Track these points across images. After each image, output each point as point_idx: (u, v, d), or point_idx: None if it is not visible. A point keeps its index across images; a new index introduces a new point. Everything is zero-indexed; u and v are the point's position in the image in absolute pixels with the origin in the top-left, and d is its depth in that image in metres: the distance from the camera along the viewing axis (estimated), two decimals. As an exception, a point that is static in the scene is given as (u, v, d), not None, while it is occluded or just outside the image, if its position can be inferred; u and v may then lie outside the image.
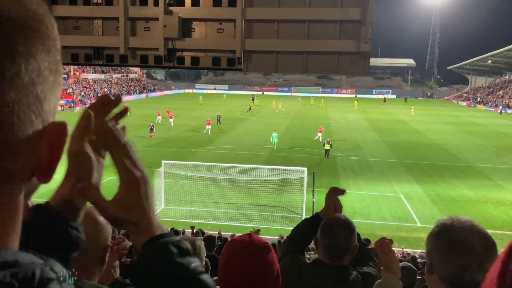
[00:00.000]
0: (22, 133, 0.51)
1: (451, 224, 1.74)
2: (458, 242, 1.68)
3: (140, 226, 0.87)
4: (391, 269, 2.33)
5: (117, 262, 2.18)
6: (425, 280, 1.88)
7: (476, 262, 1.62)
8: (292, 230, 2.86)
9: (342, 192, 2.77)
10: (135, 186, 0.87)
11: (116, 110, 0.95)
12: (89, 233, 1.57)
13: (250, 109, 59.55)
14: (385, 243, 2.42)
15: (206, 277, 0.87)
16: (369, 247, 2.97)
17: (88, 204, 1.02)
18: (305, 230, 2.78)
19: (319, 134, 37.13)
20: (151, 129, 35.84)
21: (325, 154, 30.10)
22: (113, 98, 0.93)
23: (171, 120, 42.72)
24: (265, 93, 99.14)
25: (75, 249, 0.94)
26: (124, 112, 0.98)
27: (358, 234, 2.68)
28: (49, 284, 0.49)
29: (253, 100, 73.87)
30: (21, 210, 0.57)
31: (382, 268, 2.43)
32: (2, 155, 0.50)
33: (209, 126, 38.75)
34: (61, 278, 0.52)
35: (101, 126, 0.87)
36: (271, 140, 32.92)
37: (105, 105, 0.92)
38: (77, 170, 0.85)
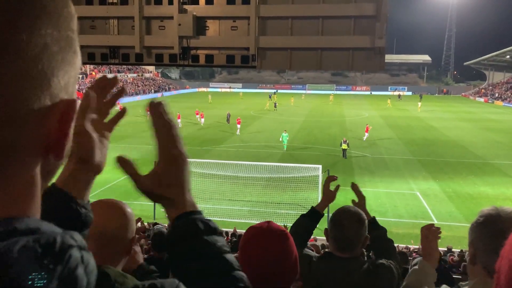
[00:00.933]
0: (28, 106, 0.52)
1: (496, 214, 1.72)
2: (505, 232, 1.65)
3: (175, 202, 0.92)
4: (430, 258, 2.31)
5: (139, 248, 2.22)
6: (468, 271, 1.86)
7: None
8: (292, 227, 2.89)
9: (333, 178, 2.83)
10: (174, 163, 0.91)
11: (113, 112, 1.01)
12: (117, 224, 1.61)
13: (275, 106, 59.13)
14: (432, 230, 2.38)
15: (230, 256, 0.91)
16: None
17: (100, 197, 1.04)
18: (304, 225, 2.81)
19: (367, 134, 36.62)
20: None
21: (343, 155, 28.99)
22: (109, 80, 0.99)
23: (202, 119, 42.93)
24: (279, 91, 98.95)
25: (85, 227, 0.98)
26: (122, 113, 1.05)
27: (385, 229, 2.68)
28: (70, 249, 0.51)
29: (270, 97, 73.99)
30: (39, 186, 0.59)
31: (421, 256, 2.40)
32: (9, 126, 0.51)
33: (239, 125, 38.90)
34: (82, 247, 0.54)
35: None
36: (281, 139, 31.89)
37: (104, 86, 0.98)
38: (80, 149, 0.90)
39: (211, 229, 0.91)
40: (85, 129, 0.89)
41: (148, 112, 0.91)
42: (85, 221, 0.98)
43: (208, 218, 0.93)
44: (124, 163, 0.92)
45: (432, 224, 2.44)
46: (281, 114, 54.62)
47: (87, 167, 0.96)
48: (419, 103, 64.51)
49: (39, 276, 0.47)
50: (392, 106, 64.45)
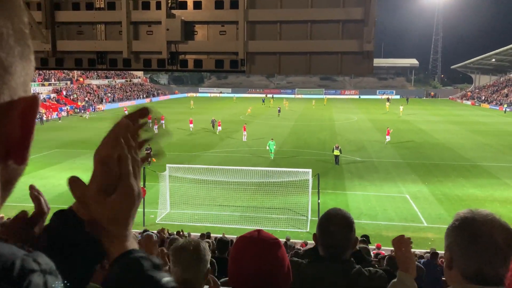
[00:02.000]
0: None
1: (472, 218, 1.68)
2: (480, 236, 1.61)
3: (117, 238, 0.86)
4: (407, 268, 2.27)
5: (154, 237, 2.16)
6: (445, 276, 1.83)
7: (499, 256, 1.57)
8: None
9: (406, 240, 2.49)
10: (130, 202, 0.85)
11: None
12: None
13: (279, 111, 58.68)
14: (403, 240, 2.35)
15: None
16: (366, 245, 2.92)
17: None
18: None
19: (388, 137, 36.79)
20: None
21: (335, 161, 28.35)
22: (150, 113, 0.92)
23: (219, 127, 41.32)
24: (268, 95, 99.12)
25: (100, 258, 0.91)
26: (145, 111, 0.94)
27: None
28: (30, 274, 0.46)
29: (263, 102, 74.35)
30: None
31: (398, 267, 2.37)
32: None
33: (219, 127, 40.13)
34: (47, 270, 0.49)
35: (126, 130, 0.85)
36: (267, 148, 30.27)
37: (142, 117, 0.91)
38: (102, 180, 0.83)
39: (155, 265, 0.86)
40: (112, 157, 0.83)
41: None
42: (100, 252, 0.90)
43: (148, 254, 0.88)
44: (74, 185, 0.84)
45: (403, 235, 2.40)
46: (271, 118, 54.69)
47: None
48: (401, 107, 62.80)
49: None
50: (390, 110, 63.56)
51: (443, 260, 1.83)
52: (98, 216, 0.83)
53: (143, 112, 0.91)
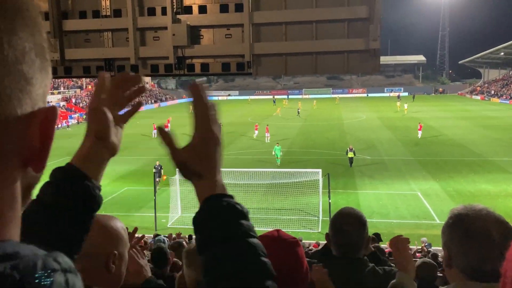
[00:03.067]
0: (10, 111, 0.50)
1: (465, 214, 1.67)
2: (475, 232, 1.60)
3: (204, 180, 0.93)
4: (406, 269, 2.26)
5: (146, 261, 2.18)
6: (445, 274, 1.82)
7: (496, 250, 1.55)
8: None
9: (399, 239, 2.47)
10: (209, 142, 0.94)
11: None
12: (94, 237, 1.56)
13: (298, 112, 58.75)
14: (400, 241, 2.34)
15: (257, 242, 0.90)
16: (378, 244, 2.91)
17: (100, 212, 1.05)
18: None
19: (420, 132, 37.59)
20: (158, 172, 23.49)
21: (350, 163, 27.44)
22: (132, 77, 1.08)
23: (267, 134, 38.69)
24: (276, 96, 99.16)
25: (97, 207, 0.99)
26: (138, 105, 1.10)
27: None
28: (53, 274, 0.48)
29: (274, 103, 75.57)
30: (20, 202, 0.55)
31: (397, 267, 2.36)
32: None
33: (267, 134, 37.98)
34: (67, 269, 0.51)
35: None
36: (273, 153, 29.15)
37: (125, 80, 1.05)
38: (96, 126, 0.96)
39: (240, 212, 0.91)
40: (100, 106, 0.95)
41: (189, 91, 0.95)
42: (97, 202, 0.99)
43: (236, 201, 0.94)
44: (163, 133, 0.95)
45: (400, 235, 2.39)
46: (279, 119, 54.68)
47: (104, 145, 0.99)
48: (405, 105, 60.31)
49: None
50: (402, 108, 60.01)
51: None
52: (182, 157, 0.95)
53: (127, 76, 1.07)
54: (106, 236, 1.59)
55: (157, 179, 21.63)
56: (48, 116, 0.55)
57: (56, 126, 0.58)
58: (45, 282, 0.46)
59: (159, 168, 23.16)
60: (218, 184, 0.94)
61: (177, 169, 0.96)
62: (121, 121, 1.04)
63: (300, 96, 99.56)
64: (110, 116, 0.97)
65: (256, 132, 38.73)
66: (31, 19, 0.55)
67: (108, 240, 1.60)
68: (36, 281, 0.46)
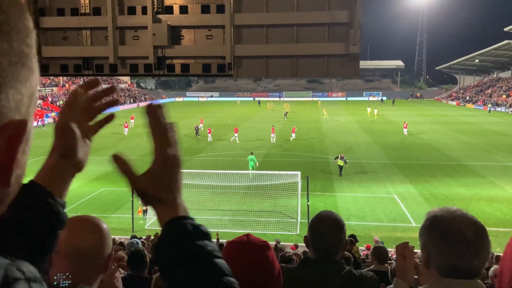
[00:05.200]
0: None
1: (441, 216, 1.76)
2: (451, 232, 1.70)
3: (166, 204, 0.92)
4: (405, 277, 2.28)
5: (118, 273, 2.15)
6: (424, 275, 1.88)
7: (471, 249, 1.66)
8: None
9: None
10: (169, 165, 0.92)
11: (101, 116, 1.03)
12: (93, 241, 1.55)
13: (286, 115, 58.65)
14: (408, 250, 2.34)
15: (221, 262, 0.89)
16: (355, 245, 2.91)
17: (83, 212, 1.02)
18: None
19: (405, 130, 39.31)
20: None
21: (340, 172, 26.22)
22: (102, 85, 1.03)
23: (235, 135, 38.77)
24: (256, 98, 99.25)
25: (61, 226, 0.96)
26: (109, 118, 1.06)
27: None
28: (15, 283, 0.47)
29: (259, 103, 76.67)
30: None
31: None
32: None
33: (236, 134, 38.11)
34: (31, 278, 0.50)
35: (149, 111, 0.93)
36: (248, 163, 26.17)
37: (93, 87, 1.01)
38: (62, 144, 0.93)
39: (203, 234, 0.90)
40: (69, 125, 0.91)
41: (146, 114, 0.92)
42: (61, 220, 0.96)
43: (198, 223, 0.93)
44: (119, 162, 0.91)
45: (407, 243, 2.42)
46: (258, 122, 54.76)
47: (69, 163, 0.96)
48: (375, 110, 59.51)
49: None
50: (376, 115, 58.83)
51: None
52: (143, 185, 0.91)
53: (94, 82, 1.03)
54: (104, 237, 1.60)
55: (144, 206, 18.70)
56: (16, 131, 0.53)
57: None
58: None
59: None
60: (180, 207, 0.93)
61: (136, 195, 0.94)
62: (90, 132, 1.00)
63: (278, 99, 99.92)
64: (78, 133, 0.93)
65: (236, 135, 38.61)
66: (8, 24, 0.52)
67: (107, 240, 1.61)
68: None
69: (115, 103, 1.04)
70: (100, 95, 1.01)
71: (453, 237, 1.69)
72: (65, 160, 0.95)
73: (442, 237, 1.72)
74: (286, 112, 60.70)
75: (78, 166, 0.98)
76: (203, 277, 0.86)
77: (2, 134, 0.51)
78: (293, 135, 39.03)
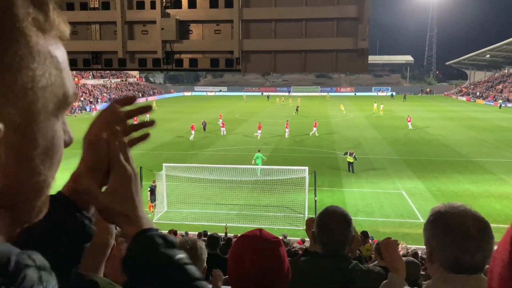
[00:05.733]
0: None
1: (445, 211, 1.80)
2: (454, 227, 1.73)
3: (130, 219, 0.92)
4: (396, 270, 2.33)
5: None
6: (428, 270, 1.91)
7: (474, 244, 1.68)
8: None
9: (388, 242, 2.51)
10: (128, 180, 0.92)
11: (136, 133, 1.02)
12: (102, 227, 1.57)
13: (297, 110, 58.33)
14: (390, 243, 2.41)
15: (191, 268, 0.91)
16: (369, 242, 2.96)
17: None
18: None
19: (409, 124, 40.78)
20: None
21: (348, 168, 25.90)
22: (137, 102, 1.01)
23: (223, 129, 39.77)
24: (264, 93, 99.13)
25: (88, 240, 0.96)
26: (144, 137, 1.03)
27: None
28: (25, 269, 0.49)
29: (268, 98, 77.92)
30: None
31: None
32: None
33: (193, 132, 37.70)
34: (41, 267, 0.52)
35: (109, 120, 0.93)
36: (253, 161, 25.03)
37: (130, 103, 0.99)
38: (93, 159, 0.92)
39: (170, 243, 0.92)
40: (101, 139, 0.91)
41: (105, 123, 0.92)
42: (89, 234, 0.95)
43: (164, 233, 0.95)
44: (81, 182, 0.91)
45: (389, 238, 2.49)
46: (271, 116, 54.73)
47: (97, 175, 0.94)
48: (381, 105, 59.47)
49: None
50: (382, 111, 58.31)
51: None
52: (106, 202, 0.91)
53: (130, 99, 0.99)
54: (111, 226, 1.61)
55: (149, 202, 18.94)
56: None
57: None
58: (18, 277, 0.47)
59: (154, 188, 19.37)
60: (144, 219, 0.94)
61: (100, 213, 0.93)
62: (123, 147, 0.98)
63: (287, 94, 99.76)
64: (110, 148, 0.92)
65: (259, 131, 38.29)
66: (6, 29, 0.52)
67: (112, 229, 1.62)
68: (10, 274, 0.47)
69: (148, 109, 1.00)
70: (135, 113, 0.98)
71: (456, 231, 1.72)
72: (94, 173, 0.93)
73: (445, 232, 1.74)
74: (297, 107, 60.47)
75: (105, 180, 0.96)
76: (175, 284, 0.88)
77: None
78: (314, 129, 38.49)
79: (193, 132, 37.67)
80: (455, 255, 1.71)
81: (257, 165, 24.29)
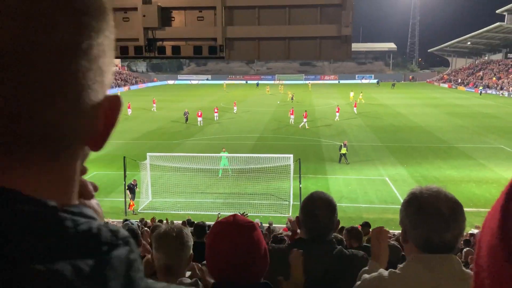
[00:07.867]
0: (89, 100, 0.56)
1: (420, 192, 1.85)
2: (426, 207, 1.78)
3: None
4: (379, 259, 2.35)
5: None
6: (404, 250, 1.97)
7: (443, 223, 1.73)
8: None
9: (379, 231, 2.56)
10: None
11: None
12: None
13: (292, 98, 56.83)
14: (383, 232, 2.42)
15: None
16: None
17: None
18: None
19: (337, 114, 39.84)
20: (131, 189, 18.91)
21: (340, 159, 25.18)
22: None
23: (199, 119, 38.48)
24: (249, 81, 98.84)
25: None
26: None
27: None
28: (130, 240, 0.56)
29: (257, 85, 79.05)
30: (79, 174, 0.62)
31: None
32: (75, 118, 0.55)
33: (200, 118, 38.13)
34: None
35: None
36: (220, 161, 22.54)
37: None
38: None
39: None
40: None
41: None
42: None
43: None
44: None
45: (382, 227, 2.50)
46: (252, 105, 54.62)
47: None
48: (360, 94, 57.30)
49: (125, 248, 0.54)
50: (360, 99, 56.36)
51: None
52: None
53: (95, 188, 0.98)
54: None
55: (130, 200, 18.49)
56: (113, 105, 0.61)
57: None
58: (128, 241, 0.55)
59: (134, 187, 18.73)
60: None
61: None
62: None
63: (272, 82, 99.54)
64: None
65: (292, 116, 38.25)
66: (111, 19, 0.61)
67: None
68: (123, 240, 0.55)
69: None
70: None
71: (427, 211, 1.77)
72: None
73: (417, 211, 1.80)
74: (292, 95, 59.13)
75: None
76: None
77: (103, 107, 0.59)
78: (305, 120, 37.55)
79: (199, 119, 38.23)
80: (426, 234, 1.76)
81: (222, 166, 22.27)
